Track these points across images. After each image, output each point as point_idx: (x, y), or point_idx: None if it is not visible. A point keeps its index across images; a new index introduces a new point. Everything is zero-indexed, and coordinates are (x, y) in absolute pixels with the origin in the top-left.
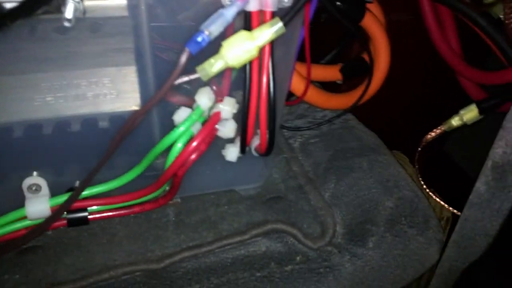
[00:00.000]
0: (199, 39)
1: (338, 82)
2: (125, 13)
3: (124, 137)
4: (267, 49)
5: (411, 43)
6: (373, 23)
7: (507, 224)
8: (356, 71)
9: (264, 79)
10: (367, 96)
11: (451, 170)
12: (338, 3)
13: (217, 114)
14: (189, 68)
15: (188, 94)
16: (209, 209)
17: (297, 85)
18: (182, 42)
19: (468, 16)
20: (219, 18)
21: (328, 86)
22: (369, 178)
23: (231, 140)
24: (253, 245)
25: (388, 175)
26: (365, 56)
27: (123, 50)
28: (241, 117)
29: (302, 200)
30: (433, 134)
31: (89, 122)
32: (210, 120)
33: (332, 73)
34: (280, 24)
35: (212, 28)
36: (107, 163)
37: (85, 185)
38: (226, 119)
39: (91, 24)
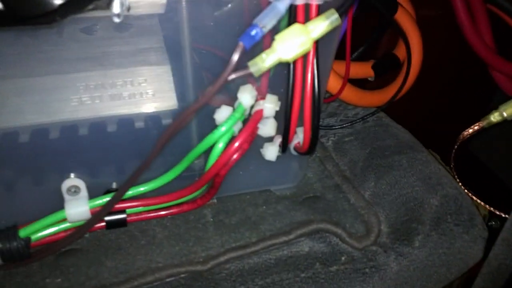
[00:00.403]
0: (253, 32)
1: (370, 79)
2: (162, 10)
3: (172, 137)
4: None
5: (441, 39)
6: (405, 17)
7: None
8: (388, 67)
9: (309, 75)
10: (402, 93)
11: (479, 169)
12: None
13: (259, 112)
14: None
15: (227, 93)
16: (247, 209)
17: (333, 82)
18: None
19: (502, 7)
20: (272, 10)
21: (355, 83)
22: (411, 176)
23: (269, 139)
24: (296, 245)
25: (430, 172)
26: (396, 53)
27: (155, 49)
28: (284, 115)
29: (341, 199)
30: (470, 131)
31: (125, 122)
32: (253, 119)
33: (364, 70)
34: (335, 16)
35: (266, 21)
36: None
37: (128, 186)
38: (267, 117)
39: (119, 24)
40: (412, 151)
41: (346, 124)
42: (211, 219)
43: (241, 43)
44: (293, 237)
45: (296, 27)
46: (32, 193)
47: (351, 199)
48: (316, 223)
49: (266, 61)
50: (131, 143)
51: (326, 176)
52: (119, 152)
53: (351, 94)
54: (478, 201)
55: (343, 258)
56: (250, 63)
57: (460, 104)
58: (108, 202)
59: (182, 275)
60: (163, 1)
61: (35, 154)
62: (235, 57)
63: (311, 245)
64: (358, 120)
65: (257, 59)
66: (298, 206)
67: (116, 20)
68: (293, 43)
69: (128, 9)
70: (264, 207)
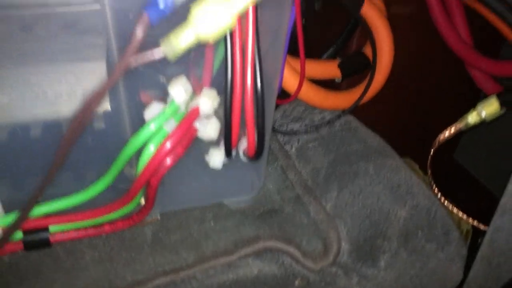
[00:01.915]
0: (161, 3)
1: (337, 80)
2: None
3: (73, 139)
4: (250, 33)
5: (415, 37)
6: (374, 12)
7: None
8: (356, 67)
9: (249, 68)
10: (369, 94)
11: (463, 178)
12: None
13: (195, 109)
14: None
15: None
16: (191, 226)
17: (291, 81)
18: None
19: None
20: None
21: (326, 86)
22: (377, 185)
23: (216, 144)
24: (243, 267)
25: (399, 180)
26: (366, 51)
27: (93, 45)
28: (224, 112)
29: (300, 212)
30: (446, 134)
31: (50, 125)
32: (187, 117)
33: (329, 69)
34: None
35: None
36: (73, 173)
37: (35, 198)
38: (208, 117)
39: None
40: (381, 157)
41: (311, 129)
42: (150, 238)
43: (145, 14)
44: (236, 257)
45: None
46: None
47: (311, 212)
48: (264, 241)
49: (181, 38)
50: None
51: (287, 186)
52: (42, 160)
53: (312, 94)
54: (461, 214)
55: (296, 282)
56: (162, 42)
57: (439, 107)
58: (16, 219)
59: None
60: None
61: None
62: (139, 32)
63: (261, 266)
64: (323, 125)
65: (171, 36)
66: (251, 221)
67: None
68: (212, 16)
69: None
70: (212, 223)
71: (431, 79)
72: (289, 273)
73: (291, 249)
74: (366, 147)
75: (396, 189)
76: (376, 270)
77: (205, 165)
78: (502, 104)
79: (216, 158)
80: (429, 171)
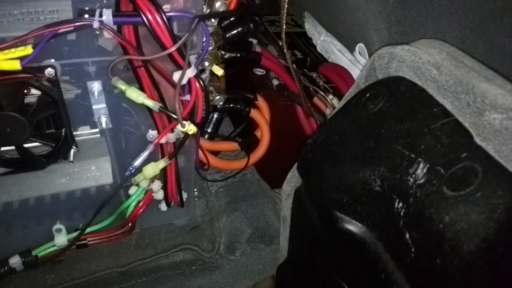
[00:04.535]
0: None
1: (237, 152)
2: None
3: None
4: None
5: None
6: (258, 116)
7: None
8: (250, 144)
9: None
10: (253, 160)
11: None
12: (230, 105)
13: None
14: None
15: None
16: (155, 236)
17: (203, 158)
18: None
19: None
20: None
21: None
22: (244, 215)
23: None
24: (174, 256)
25: (254, 213)
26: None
27: None
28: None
29: (208, 227)
30: None
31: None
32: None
33: (231, 146)
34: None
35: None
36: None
37: (85, 228)
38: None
39: None
40: (253, 199)
41: (221, 179)
42: (134, 242)
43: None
44: (171, 252)
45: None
46: (37, 231)
47: (213, 228)
48: (186, 243)
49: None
50: (87, 204)
51: (206, 213)
52: (82, 209)
53: (219, 164)
54: None
55: (199, 262)
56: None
57: None
58: (75, 237)
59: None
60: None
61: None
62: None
63: (184, 256)
64: (230, 176)
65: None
66: (184, 233)
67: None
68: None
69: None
70: (164, 234)
71: None
72: (196, 258)
73: (198, 248)
74: (246, 193)
75: (251, 217)
76: (234, 256)
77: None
78: None
79: (163, 205)
80: None
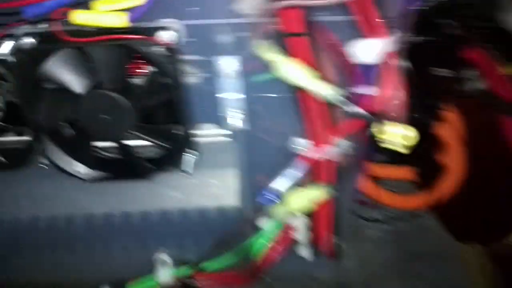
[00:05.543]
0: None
1: None
2: None
3: None
4: None
5: None
6: (446, 133)
7: None
8: (431, 173)
9: None
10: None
11: None
12: None
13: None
14: None
15: None
16: None
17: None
18: None
19: None
20: None
21: None
22: (421, 284)
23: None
24: None
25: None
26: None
27: None
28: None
29: None
30: None
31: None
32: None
33: (405, 173)
34: None
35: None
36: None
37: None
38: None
39: None
40: (435, 258)
41: (387, 220)
42: None
43: None
44: None
45: None
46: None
47: None
48: None
49: None
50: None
51: (361, 268)
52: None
53: (387, 197)
54: None
55: None
56: None
57: None
58: (184, 273)
59: None
60: None
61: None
62: None
63: None
64: (399, 218)
65: None
66: None
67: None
68: None
69: None
70: None
71: None
72: None
73: None
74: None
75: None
76: None
77: None
78: None
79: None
80: None
